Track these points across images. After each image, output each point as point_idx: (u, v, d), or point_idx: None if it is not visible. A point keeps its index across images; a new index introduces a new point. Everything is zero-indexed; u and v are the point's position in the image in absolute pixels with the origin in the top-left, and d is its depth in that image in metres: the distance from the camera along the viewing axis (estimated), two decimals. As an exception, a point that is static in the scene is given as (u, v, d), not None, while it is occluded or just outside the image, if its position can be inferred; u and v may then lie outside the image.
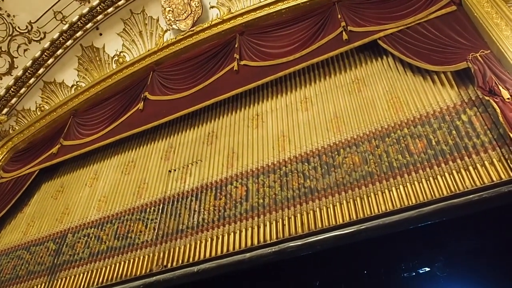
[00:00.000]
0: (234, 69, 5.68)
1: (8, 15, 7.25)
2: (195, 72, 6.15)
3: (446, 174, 3.72)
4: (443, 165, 3.78)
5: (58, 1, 7.16)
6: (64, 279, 4.94)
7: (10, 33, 7.38)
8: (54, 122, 7.42)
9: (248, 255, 4.06)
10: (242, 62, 5.73)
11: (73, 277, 4.89)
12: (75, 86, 7.59)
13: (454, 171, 3.70)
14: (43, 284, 5.06)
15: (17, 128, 7.80)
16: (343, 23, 5.21)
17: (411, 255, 6.15)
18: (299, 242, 3.93)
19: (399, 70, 4.74)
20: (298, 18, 5.77)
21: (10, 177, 6.97)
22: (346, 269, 6.45)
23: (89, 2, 7.17)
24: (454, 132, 3.92)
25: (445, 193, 3.62)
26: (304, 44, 5.40)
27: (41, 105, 7.76)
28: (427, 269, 6.22)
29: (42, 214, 6.07)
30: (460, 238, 5.68)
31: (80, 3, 7.19)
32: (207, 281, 4.58)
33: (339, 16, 5.34)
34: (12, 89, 7.64)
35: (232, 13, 6.39)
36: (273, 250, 3.99)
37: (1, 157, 7.49)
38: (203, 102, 5.65)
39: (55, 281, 4.98)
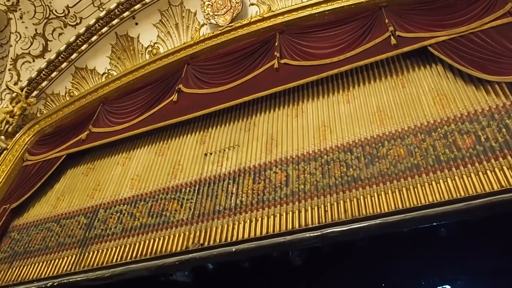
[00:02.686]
0: (275, 67, 5.65)
1: (46, -2, 7.33)
2: (232, 68, 6.15)
3: (496, 170, 3.69)
4: (493, 160, 3.75)
5: (97, -13, 7.25)
6: (96, 252, 4.89)
7: (47, 16, 7.41)
8: (83, 109, 7.41)
9: (288, 238, 4.01)
10: (283, 61, 5.69)
11: (105, 250, 4.84)
12: (106, 74, 7.62)
13: (504, 167, 3.67)
14: (75, 256, 5.00)
15: (45, 111, 7.78)
16: (391, 28, 5.18)
17: (432, 271, 6.06)
18: (342, 228, 3.88)
19: (448, 77, 4.67)
20: (341, 21, 5.76)
21: (36, 160, 6.93)
22: (365, 280, 6.35)
23: (128, -10, 7.22)
24: (504, 130, 3.90)
25: (495, 188, 3.58)
26: (349, 47, 5.37)
27: (71, 91, 7.77)
28: (448, 287, 6.13)
29: (72, 190, 6.04)
30: (485, 258, 5.60)
31: (119, -9, 7.24)
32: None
33: (386, 21, 5.32)
34: (43, 72, 7.64)
35: (273, 11, 6.41)
36: (315, 234, 3.94)
37: (27, 139, 7.43)
38: (240, 98, 5.63)
39: (87, 253, 4.94)
